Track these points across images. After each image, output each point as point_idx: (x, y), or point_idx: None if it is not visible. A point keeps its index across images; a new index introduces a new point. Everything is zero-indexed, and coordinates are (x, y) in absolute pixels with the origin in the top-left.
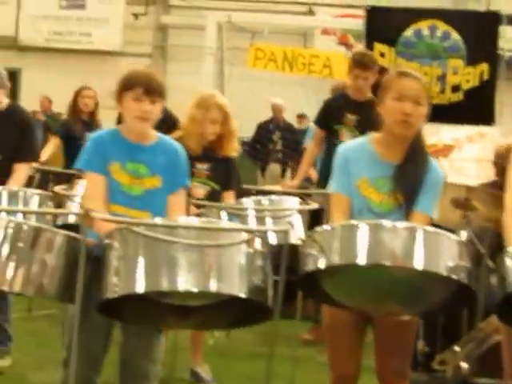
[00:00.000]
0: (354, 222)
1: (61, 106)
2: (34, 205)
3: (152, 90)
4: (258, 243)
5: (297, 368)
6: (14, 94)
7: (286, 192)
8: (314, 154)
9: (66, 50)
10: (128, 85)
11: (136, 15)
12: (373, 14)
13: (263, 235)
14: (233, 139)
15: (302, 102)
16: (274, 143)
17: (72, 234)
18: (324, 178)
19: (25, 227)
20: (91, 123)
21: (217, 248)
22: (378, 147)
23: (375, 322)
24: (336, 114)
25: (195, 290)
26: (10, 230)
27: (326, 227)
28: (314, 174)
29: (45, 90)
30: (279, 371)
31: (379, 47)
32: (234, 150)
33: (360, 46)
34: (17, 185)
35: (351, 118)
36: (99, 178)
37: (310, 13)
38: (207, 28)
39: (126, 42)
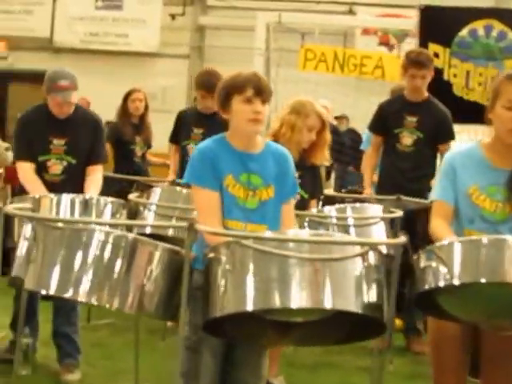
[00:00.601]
0: (476, 237)
1: (97, 108)
2: (107, 214)
3: (263, 89)
4: (371, 256)
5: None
6: None
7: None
8: (373, 161)
9: (102, 52)
10: (237, 87)
11: (173, 16)
12: (427, 13)
13: (376, 247)
14: (325, 148)
15: (343, 104)
16: None
17: (174, 247)
18: (385, 183)
19: (124, 240)
20: (141, 126)
21: (330, 262)
22: (488, 153)
23: (483, 336)
24: (394, 117)
25: (309, 306)
26: (110, 243)
27: (445, 242)
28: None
29: (80, 92)
30: (351, 381)
31: (433, 47)
32: (324, 158)
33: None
34: (96, 189)
35: (411, 119)
36: (213, 193)
37: (351, 12)
38: (256, 28)
39: (163, 43)
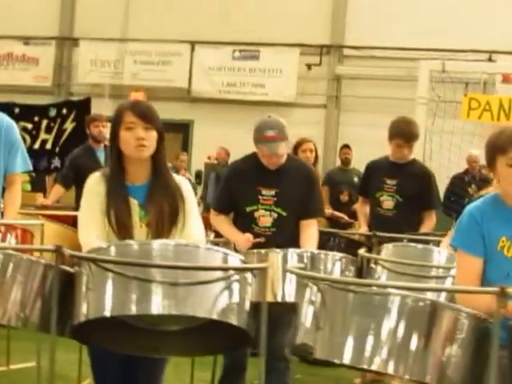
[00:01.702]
0: None
1: (236, 157)
2: (337, 270)
3: None
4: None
5: None
6: (186, 145)
7: None
8: None
9: (239, 102)
10: (502, 148)
11: (309, 66)
12: None
13: None
14: None
15: None
16: (470, 197)
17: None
18: None
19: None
20: None
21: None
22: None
23: None
24: None
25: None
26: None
27: None
28: None
29: (218, 142)
30: None
31: None
32: None
33: None
34: (312, 245)
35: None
36: (478, 261)
37: (490, 60)
38: (419, 78)
39: (300, 92)
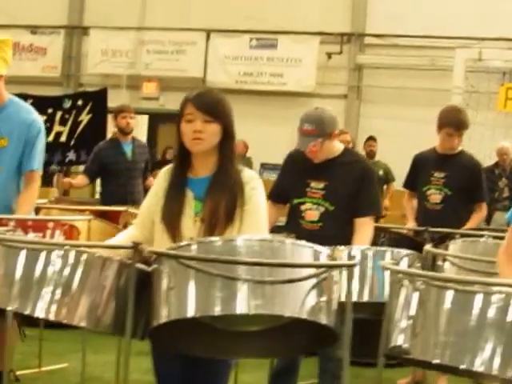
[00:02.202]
0: None
1: (254, 150)
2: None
3: None
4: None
5: None
6: None
7: None
8: None
9: (256, 92)
10: None
11: (330, 54)
12: None
13: None
14: None
15: None
16: (500, 190)
17: None
18: None
19: None
20: None
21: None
22: None
23: None
24: None
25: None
26: None
27: None
28: None
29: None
30: None
31: None
32: None
33: None
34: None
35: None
36: None
37: None
38: (455, 68)
39: (320, 82)
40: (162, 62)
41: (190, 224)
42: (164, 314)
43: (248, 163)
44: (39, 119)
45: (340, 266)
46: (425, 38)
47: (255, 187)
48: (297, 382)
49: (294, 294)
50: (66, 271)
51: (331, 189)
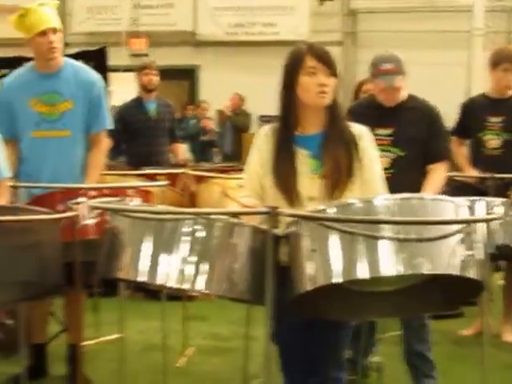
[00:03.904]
0: None
1: (250, 102)
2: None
3: None
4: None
5: None
6: (192, 91)
7: None
8: None
9: (248, 43)
10: None
11: (322, 1)
12: None
13: None
14: None
15: None
16: None
17: None
18: None
19: None
20: None
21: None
22: None
23: None
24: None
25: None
26: None
27: None
28: None
29: (227, 88)
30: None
31: None
32: None
33: None
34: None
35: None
36: None
37: None
38: (474, 8)
39: (314, 30)
40: (149, 17)
41: (307, 183)
42: (309, 280)
43: (246, 116)
44: (99, 78)
45: (485, 221)
46: None
47: (368, 140)
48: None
49: (441, 250)
50: (199, 239)
51: (399, 134)
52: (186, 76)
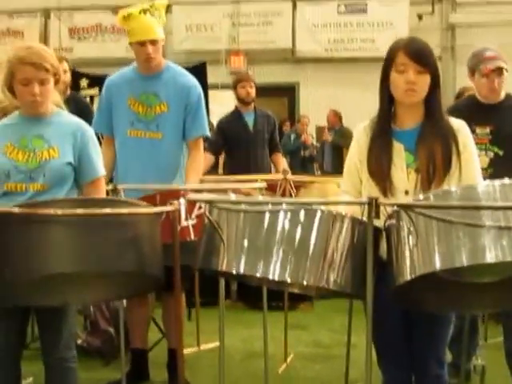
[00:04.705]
0: None
1: (351, 119)
2: None
3: None
4: None
5: None
6: (292, 108)
7: None
8: None
9: (347, 59)
10: None
11: (421, 16)
12: None
13: None
14: None
15: None
16: None
17: None
18: None
19: None
20: None
21: None
22: None
23: None
24: None
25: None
26: None
27: None
28: None
29: (326, 104)
30: None
31: None
32: None
33: None
34: None
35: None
36: None
37: None
38: None
39: None
40: (248, 34)
41: (402, 176)
42: (409, 270)
43: (345, 133)
44: (197, 84)
45: None
46: None
47: (468, 134)
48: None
49: None
50: (299, 229)
51: (499, 132)
52: (285, 93)
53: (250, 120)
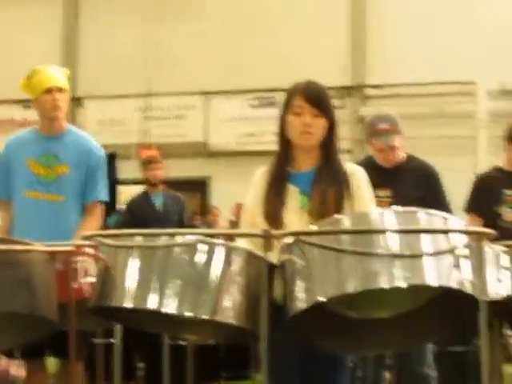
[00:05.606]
0: None
1: None
2: None
3: None
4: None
5: None
6: (204, 202)
7: None
8: None
9: (258, 153)
10: None
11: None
12: None
13: None
14: None
15: None
16: None
17: None
18: None
19: None
20: None
21: None
22: None
23: None
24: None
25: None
26: None
27: None
28: None
29: (238, 199)
30: None
31: None
32: None
33: None
34: None
35: None
36: None
37: None
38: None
39: None
40: (161, 128)
41: (294, 219)
42: (299, 301)
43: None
44: (99, 147)
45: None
46: (422, 86)
47: (362, 178)
48: None
49: (441, 264)
50: (195, 263)
51: (398, 196)
52: (197, 187)
53: (158, 201)
